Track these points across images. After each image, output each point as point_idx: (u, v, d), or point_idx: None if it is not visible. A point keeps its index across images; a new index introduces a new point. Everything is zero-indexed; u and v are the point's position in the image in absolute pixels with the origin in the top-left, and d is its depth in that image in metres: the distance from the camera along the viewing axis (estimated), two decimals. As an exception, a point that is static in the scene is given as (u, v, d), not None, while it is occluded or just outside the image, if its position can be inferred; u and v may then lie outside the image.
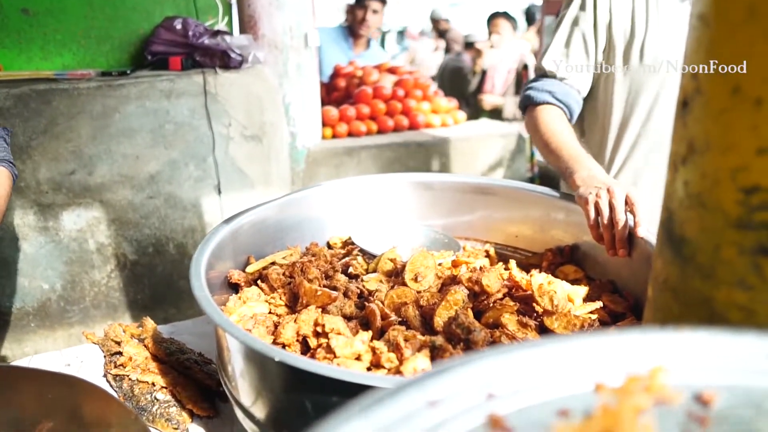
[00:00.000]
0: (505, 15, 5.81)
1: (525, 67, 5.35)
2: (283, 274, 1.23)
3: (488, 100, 5.50)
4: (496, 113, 5.38)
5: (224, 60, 2.50)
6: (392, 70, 4.15)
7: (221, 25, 2.73)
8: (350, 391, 0.75)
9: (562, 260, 1.47)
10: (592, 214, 1.27)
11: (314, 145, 3.03)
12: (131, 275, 2.46)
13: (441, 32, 8.58)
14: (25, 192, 2.23)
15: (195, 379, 1.22)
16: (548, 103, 1.61)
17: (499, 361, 0.42)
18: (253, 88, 2.57)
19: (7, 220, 2.22)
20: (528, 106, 1.68)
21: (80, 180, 2.29)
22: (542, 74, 1.68)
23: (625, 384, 0.42)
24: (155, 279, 2.50)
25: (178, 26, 2.52)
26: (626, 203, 1.24)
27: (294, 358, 0.78)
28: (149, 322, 1.45)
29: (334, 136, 3.25)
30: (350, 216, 1.66)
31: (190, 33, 2.50)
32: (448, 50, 7.85)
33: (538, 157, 4.35)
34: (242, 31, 2.88)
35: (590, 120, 1.78)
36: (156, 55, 2.53)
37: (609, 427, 0.38)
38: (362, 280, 1.26)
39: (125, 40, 2.63)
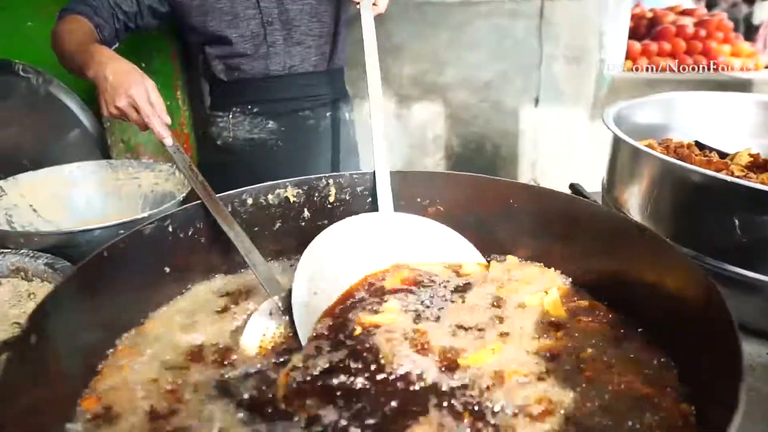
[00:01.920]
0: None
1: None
2: (667, 147, 1.55)
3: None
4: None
5: (560, -13, 2.81)
6: (688, 12, 4.14)
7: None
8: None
9: None
10: None
11: (617, 73, 3.26)
12: (454, 165, 2.98)
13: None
14: (390, 83, 2.82)
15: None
16: None
17: None
18: (579, 15, 2.87)
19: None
20: None
21: (431, 79, 2.82)
22: None
23: None
24: (473, 171, 2.98)
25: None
26: None
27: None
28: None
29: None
30: (692, 125, 1.92)
31: (533, -39, 2.85)
32: (713, 3, 7.22)
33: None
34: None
35: None
36: (500, -20, 2.93)
37: None
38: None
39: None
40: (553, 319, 1.04)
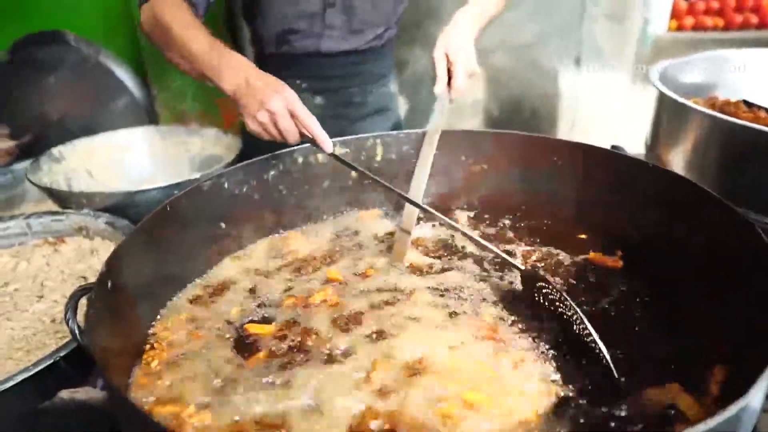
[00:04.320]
0: None
1: None
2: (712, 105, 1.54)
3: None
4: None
5: (602, -57, 2.75)
6: (737, -33, 3.98)
7: None
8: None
9: None
10: None
11: (662, 33, 3.19)
12: (492, 128, 2.96)
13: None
14: (429, 46, 2.80)
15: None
16: None
17: None
18: (622, -29, 2.80)
19: (417, 73, 2.82)
20: None
21: (470, 42, 2.79)
22: None
23: None
24: (511, 134, 2.98)
25: None
26: None
27: None
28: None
29: (679, 28, 3.34)
30: (739, 83, 1.89)
31: None
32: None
33: None
34: None
35: None
36: (540, -62, 2.87)
37: None
38: None
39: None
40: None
